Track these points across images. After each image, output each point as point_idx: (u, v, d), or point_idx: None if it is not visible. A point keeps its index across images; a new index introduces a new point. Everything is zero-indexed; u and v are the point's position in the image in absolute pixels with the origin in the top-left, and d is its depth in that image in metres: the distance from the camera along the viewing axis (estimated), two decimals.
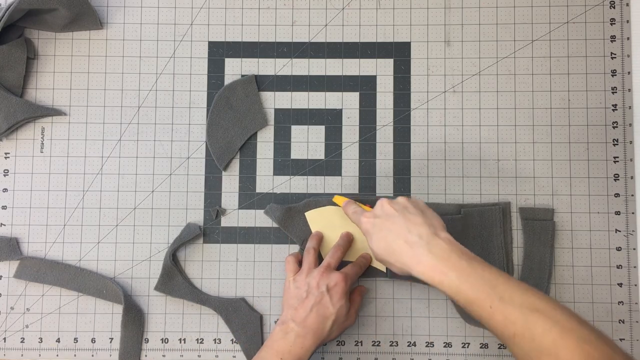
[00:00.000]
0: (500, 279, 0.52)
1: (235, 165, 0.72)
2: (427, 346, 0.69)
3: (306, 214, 0.69)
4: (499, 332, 0.50)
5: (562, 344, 0.46)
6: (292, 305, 0.62)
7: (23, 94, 0.72)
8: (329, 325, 0.60)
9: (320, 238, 0.68)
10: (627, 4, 0.72)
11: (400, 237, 0.56)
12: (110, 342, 0.69)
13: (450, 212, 0.69)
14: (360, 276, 0.69)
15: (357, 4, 0.73)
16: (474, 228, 0.69)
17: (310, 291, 0.61)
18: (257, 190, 0.71)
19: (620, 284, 0.69)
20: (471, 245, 0.68)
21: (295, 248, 0.70)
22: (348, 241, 0.67)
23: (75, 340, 0.70)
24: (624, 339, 0.68)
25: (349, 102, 0.72)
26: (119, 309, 0.69)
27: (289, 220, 0.69)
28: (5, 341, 0.69)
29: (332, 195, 0.70)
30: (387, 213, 0.59)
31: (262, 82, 0.72)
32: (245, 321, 0.69)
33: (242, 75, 0.72)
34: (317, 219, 0.69)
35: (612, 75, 0.71)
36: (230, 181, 0.71)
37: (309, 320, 0.60)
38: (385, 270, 0.69)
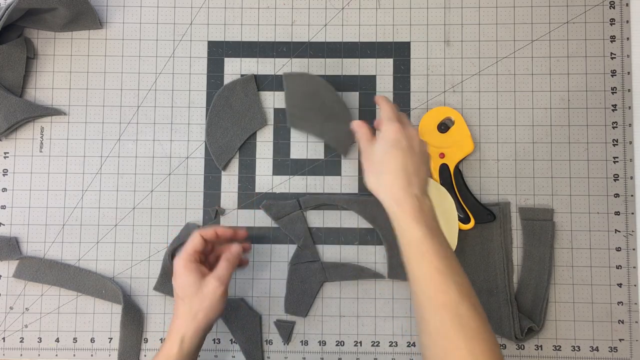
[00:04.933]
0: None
1: (235, 165, 0.72)
2: None
3: None
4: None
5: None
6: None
7: (22, 94, 0.72)
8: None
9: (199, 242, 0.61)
10: (627, 4, 0.72)
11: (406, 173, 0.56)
12: (110, 342, 0.69)
13: None
14: (359, 278, 0.69)
15: (356, 3, 0.73)
16: (474, 228, 0.69)
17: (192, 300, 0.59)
18: (257, 190, 0.71)
19: (619, 284, 0.69)
20: (471, 246, 0.68)
21: (295, 248, 0.70)
22: (237, 256, 0.62)
23: (75, 340, 0.69)
24: (623, 339, 0.68)
25: (348, 102, 0.72)
26: (118, 308, 0.69)
27: (284, 216, 0.69)
28: (4, 341, 0.69)
29: (332, 194, 0.70)
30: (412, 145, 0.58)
31: (262, 82, 0.72)
32: (244, 321, 0.69)
33: (242, 75, 0.72)
34: None
35: (612, 76, 0.71)
36: (230, 181, 0.71)
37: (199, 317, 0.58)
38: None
